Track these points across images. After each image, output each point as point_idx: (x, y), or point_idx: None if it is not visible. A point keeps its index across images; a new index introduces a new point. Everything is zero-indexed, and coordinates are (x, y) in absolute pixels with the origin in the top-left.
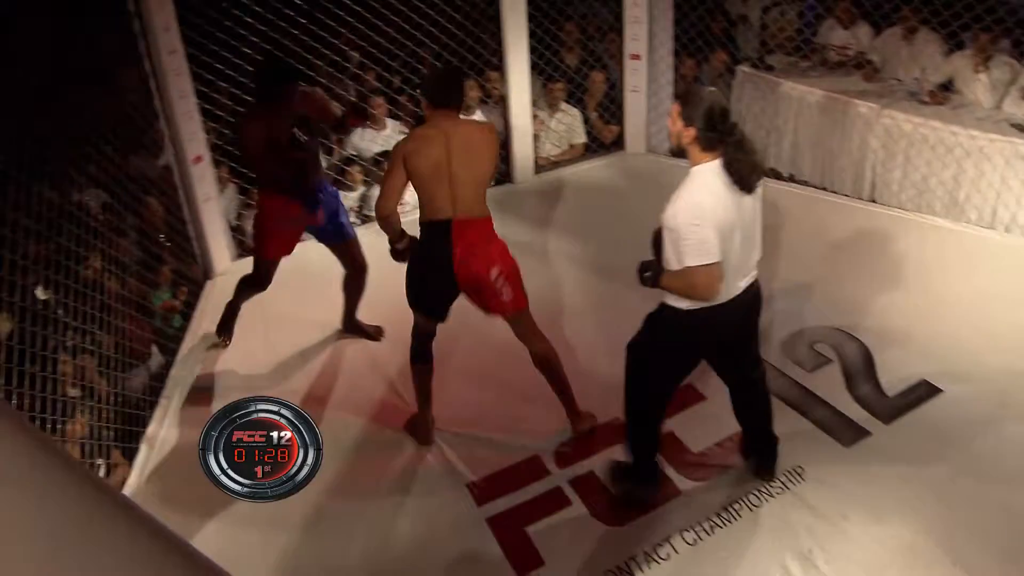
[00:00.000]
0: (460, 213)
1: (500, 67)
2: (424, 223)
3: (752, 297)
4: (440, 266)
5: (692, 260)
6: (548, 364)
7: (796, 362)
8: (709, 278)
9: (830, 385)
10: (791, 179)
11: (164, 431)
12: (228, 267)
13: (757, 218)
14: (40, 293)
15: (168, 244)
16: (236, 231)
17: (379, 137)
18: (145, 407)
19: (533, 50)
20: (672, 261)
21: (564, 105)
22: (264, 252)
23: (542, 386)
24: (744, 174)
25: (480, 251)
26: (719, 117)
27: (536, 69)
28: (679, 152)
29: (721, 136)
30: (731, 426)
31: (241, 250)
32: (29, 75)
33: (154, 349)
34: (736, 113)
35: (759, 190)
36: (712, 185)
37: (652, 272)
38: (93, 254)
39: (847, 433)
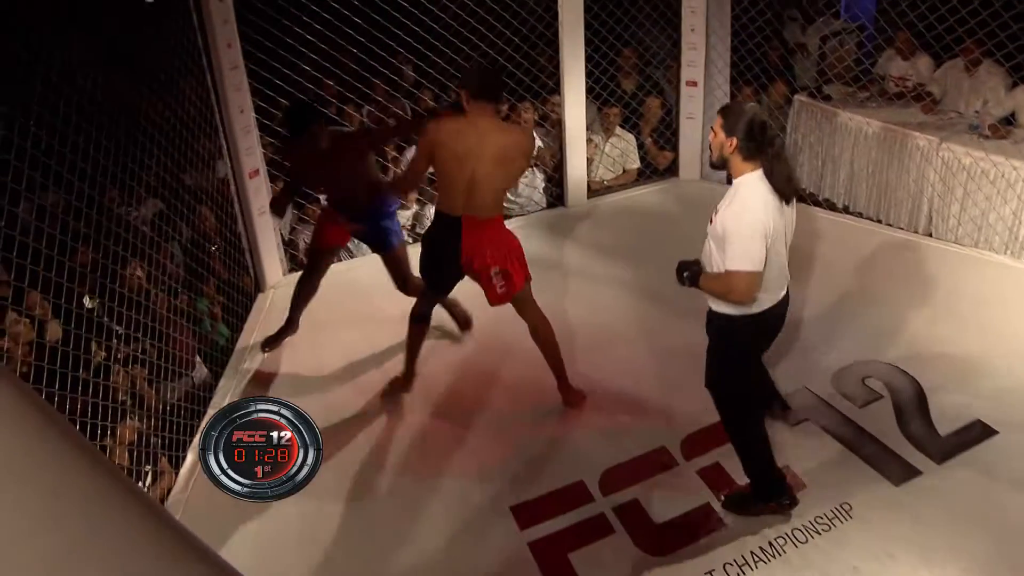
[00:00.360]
0: (471, 212)
1: (557, 90)
2: (438, 211)
3: (787, 301)
4: (448, 256)
5: (737, 265)
6: (539, 336)
7: (846, 396)
8: (749, 285)
9: (881, 421)
10: (846, 210)
11: None
12: (280, 280)
13: (791, 229)
14: (87, 302)
15: (218, 254)
16: (289, 245)
17: None
18: (192, 416)
19: (589, 74)
20: (716, 263)
21: (619, 130)
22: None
23: (587, 413)
24: (783, 184)
25: (484, 250)
26: (759, 128)
27: (592, 94)
28: (719, 165)
29: (760, 146)
30: (780, 458)
31: (293, 264)
32: (99, 82)
33: (198, 360)
34: (792, 143)
35: (794, 202)
36: (761, 193)
37: (691, 272)
38: (141, 262)
39: (897, 471)
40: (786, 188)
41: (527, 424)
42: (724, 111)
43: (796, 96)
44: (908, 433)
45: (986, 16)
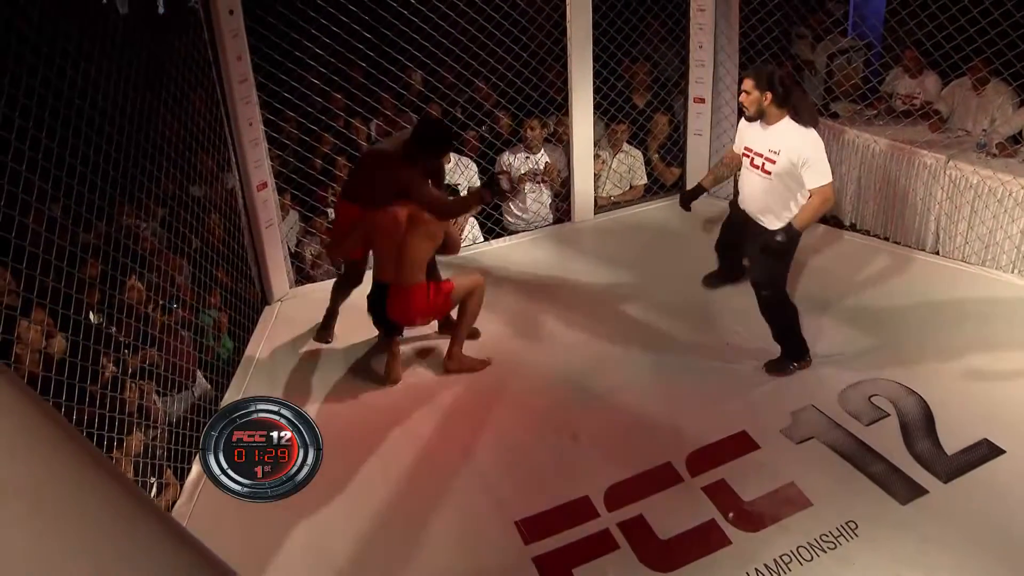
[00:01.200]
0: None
1: (565, 107)
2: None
3: None
4: (381, 313)
5: (828, 178)
6: (469, 305)
7: (853, 414)
8: (834, 191)
9: (887, 440)
10: (853, 228)
11: None
12: (287, 293)
13: None
14: (92, 318)
15: (225, 265)
16: (295, 258)
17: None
18: (196, 428)
19: (597, 90)
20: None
21: (626, 146)
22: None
23: (592, 428)
24: (811, 118)
25: (409, 312)
26: (785, 79)
27: (600, 109)
28: (756, 117)
29: (788, 93)
30: (785, 475)
31: (300, 277)
32: (110, 94)
33: (199, 374)
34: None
35: None
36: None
37: (782, 231)
38: (146, 274)
39: (903, 490)
40: (815, 120)
41: (532, 438)
42: (753, 75)
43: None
44: (915, 452)
45: (993, 35)
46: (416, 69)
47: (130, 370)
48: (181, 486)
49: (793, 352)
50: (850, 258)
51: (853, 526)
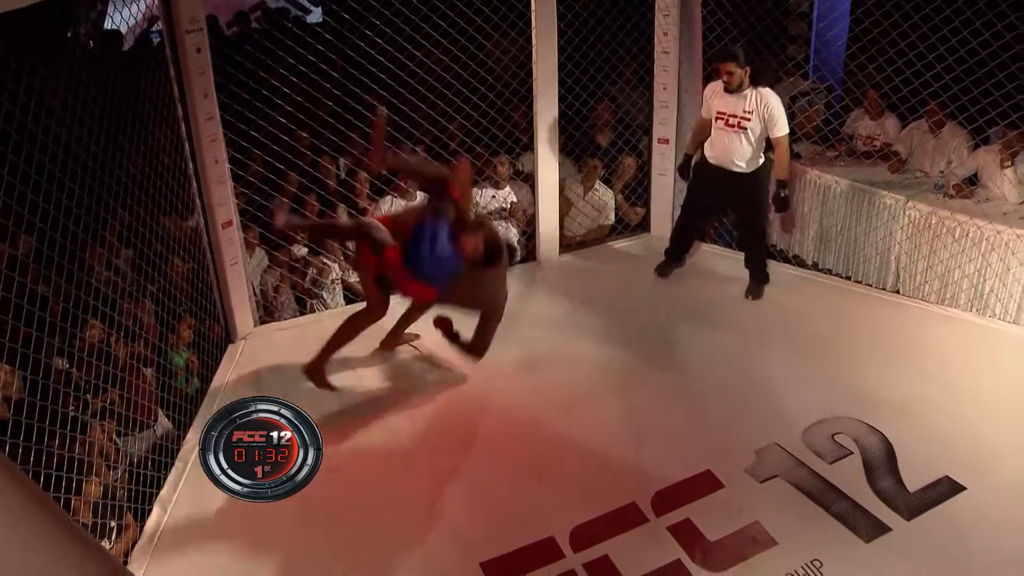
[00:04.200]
0: None
1: (530, 147)
2: None
3: None
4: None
5: (787, 128)
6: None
7: (816, 453)
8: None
9: (850, 478)
10: (815, 267)
11: (177, 495)
12: (251, 331)
13: None
14: (59, 363)
15: (191, 305)
16: (261, 296)
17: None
18: (158, 468)
19: (563, 131)
20: (778, 131)
21: (599, 184)
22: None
23: (558, 468)
24: (771, 73)
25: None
26: (749, 51)
27: (565, 150)
28: (737, 88)
29: (754, 62)
30: (750, 515)
31: (264, 314)
32: (73, 130)
33: (160, 414)
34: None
35: None
36: None
37: (780, 188)
38: (109, 314)
39: (867, 528)
40: (774, 79)
41: (497, 478)
42: (732, 58)
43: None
44: (878, 489)
45: (948, 80)
46: (382, 107)
47: (91, 410)
48: (141, 528)
49: (765, 276)
50: (812, 297)
51: (818, 564)
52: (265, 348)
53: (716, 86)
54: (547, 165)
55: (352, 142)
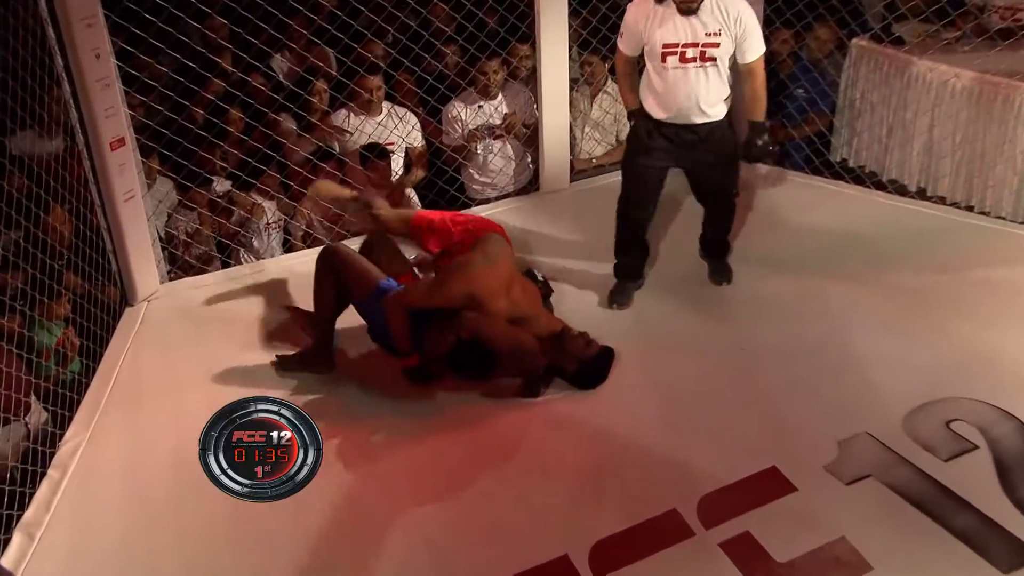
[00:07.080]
0: None
1: (531, 38)
2: None
3: None
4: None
5: (764, 45)
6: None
7: (925, 446)
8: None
9: (976, 481)
10: (922, 195)
11: (49, 518)
12: (157, 290)
13: None
14: None
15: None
16: (168, 242)
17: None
18: (26, 481)
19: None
20: (753, 52)
21: (611, 86)
22: None
23: (573, 464)
24: None
25: None
26: None
27: (578, 41)
28: (690, 12)
29: None
30: (833, 527)
31: (173, 268)
32: None
33: (35, 405)
34: (847, 104)
35: None
36: None
37: (758, 133)
38: None
39: (1004, 553)
40: None
41: (493, 481)
42: None
43: (854, 41)
44: (1016, 498)
45: None
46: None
47: None
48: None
49: (728, 250)
50: (918, 236)
51: None
52: (175, 312)
53: (649, 6)
54: (553, 62)
55: (291, 31)
